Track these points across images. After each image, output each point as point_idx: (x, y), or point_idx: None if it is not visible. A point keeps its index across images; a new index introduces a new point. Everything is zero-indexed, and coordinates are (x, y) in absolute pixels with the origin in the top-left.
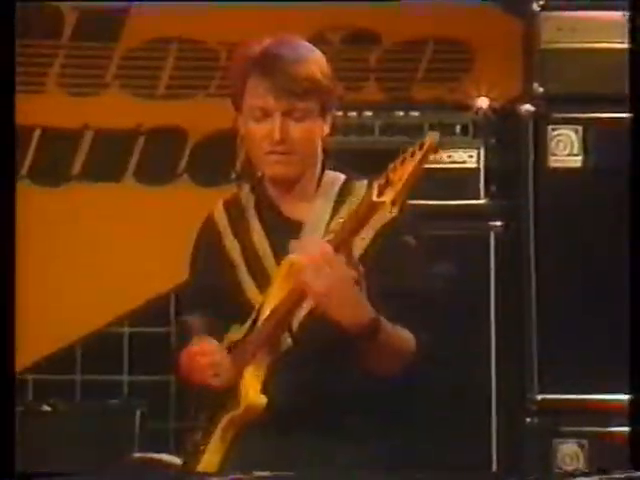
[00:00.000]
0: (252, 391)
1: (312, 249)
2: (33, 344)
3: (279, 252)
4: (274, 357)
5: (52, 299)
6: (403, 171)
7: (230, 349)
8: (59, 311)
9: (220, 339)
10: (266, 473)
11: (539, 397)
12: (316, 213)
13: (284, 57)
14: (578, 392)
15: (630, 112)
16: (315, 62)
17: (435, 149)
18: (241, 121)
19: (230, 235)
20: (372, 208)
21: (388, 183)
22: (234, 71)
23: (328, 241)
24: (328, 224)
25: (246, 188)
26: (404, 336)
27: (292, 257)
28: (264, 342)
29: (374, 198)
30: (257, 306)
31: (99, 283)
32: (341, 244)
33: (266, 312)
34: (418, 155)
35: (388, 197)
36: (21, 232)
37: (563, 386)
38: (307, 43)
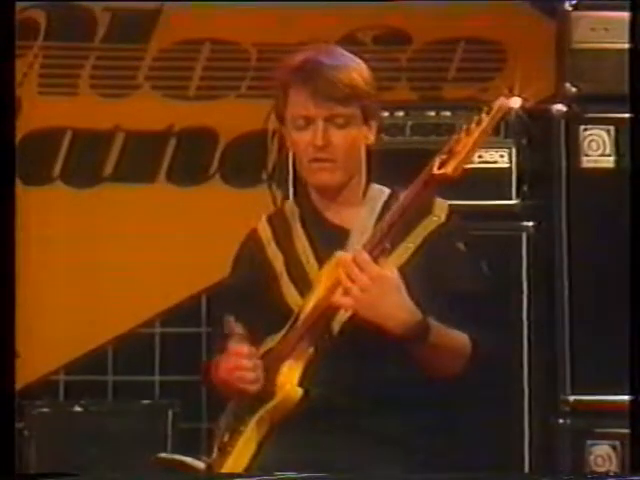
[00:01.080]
0: (289, 383)
1: (345, 258)
2: (64, 345)
3: (323, 259)
4: (313, 352)
5: (84, 299)
6: (468, 140)
7: (267, 352)
8: (90, 311)
9: (258, 346)
10: (292, 474)
11: (572, 398)
12: (361, 221)
13: (324, 64)
14: (611, 393)
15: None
16: (355, 69)
17: (506, 112)
18: (285, 132)
19: (274, 245)
20: (432, 181)
21: (451, 155)
22: (276, 82)
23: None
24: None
25: (290, 201)
26: (459, 338)
27: (337, 254)
28: (304, 336)
29: (435, 170)
30: (297, 310)
31: (131, 283)
32: (392, 225)
33: (306, 311)
34: (485, 120)
35: (450, 168)
36: (54, 233)
37: (596, 387)
38: (347, 52)
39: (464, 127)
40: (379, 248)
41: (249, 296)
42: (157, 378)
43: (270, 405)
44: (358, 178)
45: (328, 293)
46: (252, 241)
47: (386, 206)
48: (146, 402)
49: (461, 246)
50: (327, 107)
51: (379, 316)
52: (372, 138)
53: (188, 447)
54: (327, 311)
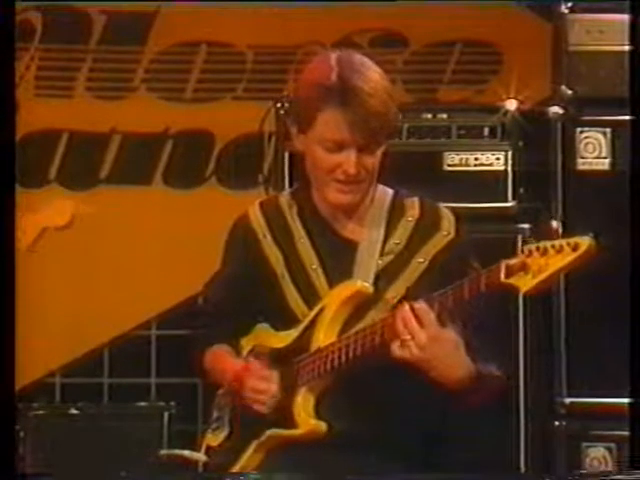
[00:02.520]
0: (311, 417)
1: (405, 314)
2: (60, 347)
3: (330, 270)
4: (330, 382)
5: (80, 302)
6: (546, 262)
7: (277, 362)
8: (87, 314)
9: (249, 339)
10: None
11: (568, 401)
12: (370, 234)
13: (361, 89)
14: (607, 395)
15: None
16: (384, 89)
17: (591, 256)
18: (302, 141)
19: (270, 242)
20: (497, 287)
21: (523, 267)
22: (303, 94)
23: (428, 301)
24: (383, 246)
25: (286, 193)
26: (489, 370)
27: (357, 282)
28: (320, 367)
29: (502, 278)
30: (306, 320)
31: (127, 286)
32: (444, 308)
33: (320, 333)
34: (570, 255)
35: (523, 283)
36: (49, 235)
37: (592, 389)
38: (372, 63)
39: (539, 245)
40: (440, 306)
41: (245, 289)
42: (153, 380)
43: (289, 432)
44: (372, 190)
45: (359, 335)
46: (244, 229)
47: (392, 214)
48: (142, 404)
49: (473, 263)
50: (363, 137)
51: (435, 373)
52: (384, 152)
53: (184, 449)
54: (348, 352)
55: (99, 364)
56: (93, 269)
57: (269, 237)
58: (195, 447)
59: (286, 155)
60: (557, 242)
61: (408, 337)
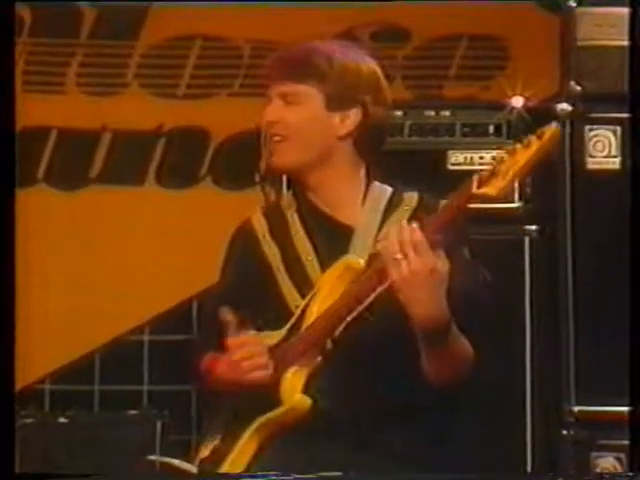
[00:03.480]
0: (296, 392)
1: (402, 234)
2: (49, 353)
3: (325, 256)
4: (319, 359)
5: (69, 306)
6: (514, 161)
7: (269, 351)
8: (76, 318)
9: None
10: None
11: (576, 408)
12: (366, 219)
13: (297, 45)
14: (616, 403)
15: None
16: (324, 53)
17: (556, 141)
18: None
19: (269, 240)
20: (470, 200)
21: (493, 174)
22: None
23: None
24: (379, 231)
25: (288, 194)
26: (466, 344)
27: (348, 257)
28: (312, 344)
29: (474, 190)
30: (298, 310)
31: (118, 289)
32: (431, 236)
33: (312, 315)
34: (535, 145)
35: (493, 188)
36: (38, 237)
37: (601, 397)
38: (344, 43)
39: (508, 147)
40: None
41: (243, 291)
42: (145, 387)
43: (275, 412)
44: (350, 172)
45: (342, 303)
46: (245, 233)
47: (390, 205)
48: (134, 412)
49: (466, 252)
50: (280, 83)
51: (415, 304)
52: (345, 129)
53: (177, 459)
54: (337, 320)
55: (89, 370)
56: (82, 272)
57: (268, 237)
58: (189, 457)
59: None
60: (526, 138)
61: (402, 261)
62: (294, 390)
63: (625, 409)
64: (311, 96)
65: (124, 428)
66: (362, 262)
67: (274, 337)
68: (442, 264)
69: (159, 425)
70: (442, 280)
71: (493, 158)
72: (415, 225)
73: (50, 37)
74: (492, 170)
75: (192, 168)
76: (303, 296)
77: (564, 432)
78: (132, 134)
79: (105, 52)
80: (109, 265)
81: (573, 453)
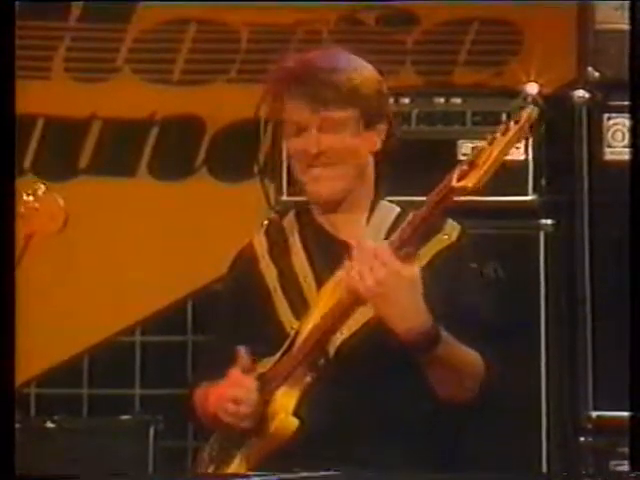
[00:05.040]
0: (283, 413)
1: (364, 247)
2: (35, 354)
3: (322, 276)
4: (308, 379)
5: (56, 305)
6: (491, 150)
7: (260, 377)
8: (64, 318)
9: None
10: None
11: (594, 414)
12: (367, 236)
13: (318, 67)
14: (638, 409)
15: None
16: (355, 70)
17: (532, 124)
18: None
19: (268, 261)
20: (451, 194)
21: (472, 167)
22: (270, 88)
23: (397, 234)
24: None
25: (291, 215)
26: (470, 355)
27: (338, 274)
28: (300, 362)
29: (454, 183)
30: (292, 332)
31: (109, 287)
32: (408, 237)
33: (303, 334)
34: (512, 129)
35: (470, 181)
36: (22, 233)
37: (621, 402)
38: (349, 54)
39: (488, 136)
40: (401, 249)
41: (240, 313)
42: (138, 392)
43: (262, 436)
44: (363, 190)
45: (328, 317)
46: (246, 254)
47: (395, 225)
48: (125, 418)
49: (475, 265)
50: (320, 110)
51: (390, 314)
52: (379, 144)
53: (172, 468)
54: (325, 335)
55: (78, 373)
56: (70, 269)
57: (267, 257)
58: (184, 466)
59: (284, 143)
60: (504, 125)
61: (366, 272)
62: (280, 410)
63: None
64: (353, 119)
65: (115, 434)
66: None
67: (269, 363)
68: (409, 269)
69: (152, 431)
70: (413, 286)
71: (473, 149)
72: (379, 242)
73: (36, 19)
74: (471, 162)
75: (187, 158)
76: (298, 318)
77: (581, 439)
78: (123, 122)
79: (95, 36)
80: (98, 262)
81: (591, 461)
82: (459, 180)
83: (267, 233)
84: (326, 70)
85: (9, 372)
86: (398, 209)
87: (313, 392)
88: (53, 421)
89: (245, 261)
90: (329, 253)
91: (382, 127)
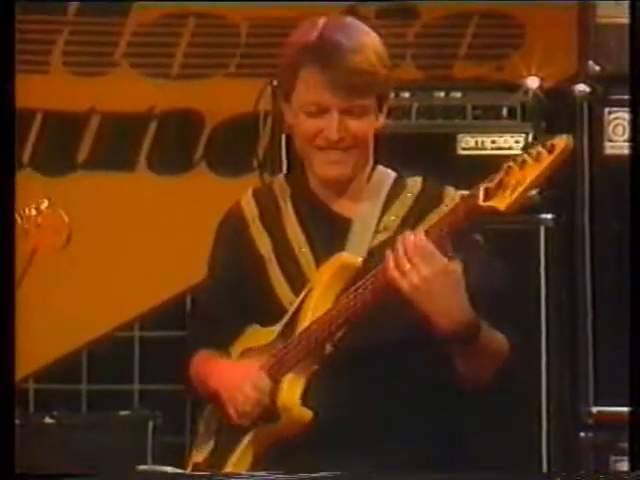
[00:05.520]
0: (295, 404)
1: (407, 243)
2: (34, 349)
3: (320, 250)
4: (317, 366)
5: (55, 300)
6: (524, 175)
7: (270, 368)
8: (63, 313)
9: (240, 341)
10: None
11: (595, 409)
12: (365, 210)
13: (342, 46)
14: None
15: None
16: (373, 49)
17: (568, 154)
18: (289, 111)
19: (259, 226)
20: (476, 212)
21: (500, 186)
22: (285, 58)
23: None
24: (379, 222)
25: (280, 177)
26: (499, 338)
27: (343, 255)
28: (308, 351)
29: (480, 202)
30: (292, 308)
31: (107, 282)
32: (436, 239)
33: (307, 315)
34: (546, 159)
35: (502, 203)
36: (26, 247)
37: (622, 397)
38: (361, 25)
39: (516, 158)
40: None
41: (234, 283)
42: (136, 387)
43: (272, 425)
44: (366, 166)
45: (339, 308)
46: (235, 218)
47: (391, 192)
48: (124, 413)
49: (478, 238)
50: (345, 97)
51: (434, 311)
52: (382, 121)
53: (171, 463)
54: (336, 325)
55: (77, 369)
56: (68, 264)
57: (258, 222)
58: (182, 461)
59: (283, 137)
60: (534, 149)
61: (408, 267)
62: (292, 402)
63: None
64: (372, 105)
65: (114, 430)
66: (359, 260)
67: (268, 335)
68: (453, 264)
69: (151, 427)
70: (458, 281)
71: (500, 169)
72: (416, 232)
73: (34, 13)
74: (499, 181)
75: (186, 153)
76: (296, 292)
77: (582, 434)
78: (122, 117)
79: (93, 29)
80: (96, 256)
81: (592, 457)
82: (486, 199)
83: (255, 195)
84: (350, 50)
85: (9, 369)
86: (394, 174)
87: (321, 382)
88: (52, 417)
89: (234, 225)
90: (325, 225)
91: (387, 104)
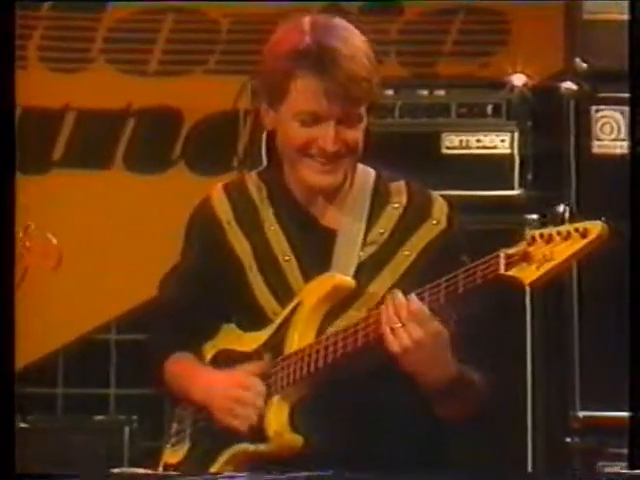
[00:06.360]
0: (285, 430)
1: (399, 303)
2: None
3: (306, 262)
4: (304, 391)
5: (29, 301)
6: (551, 251)
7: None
8: (38, 315)
9: (213, 343)
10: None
11: (581, 414)
12: (350, 220)
13: (338, 52)
14: (625, 409)
15: None
16: (365, 53)
17: (603, 243)
18: (273, 117)
19: (236, 229)
20: (496, 280)
21: (525, 258)
22: (273, 63)
23: (418, 295)
24: (365, 234)
25: (254, 175)
26: (476, 379)
27: (336, 276)
28: (295, 372)
29: (502, 270)
30: (278, 319)
31: (83, 284)
32: (435, 302)
33: (297, 331)
34: (578, 243)
35: (527, 275)
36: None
37: (608, 402)
38: (349, 25)
39: (543, 232)
40: (431, 299)
41: (206, 285)
42: (112, 391)
43: (257, 448)
44: (354, 171)
45: (340, 335)
46: (206, 217)
47: (375, 198)
48: (100, 418)
49: (465, 259)
50: (343, 106)
51: (423, 371)
52: (365, 122)
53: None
54: (330, 352)
55: (52, 372)
56: (43, 264)
57: (234, 224)
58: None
59: (264, 136)
60: (563, 228)
61: (399, 325)
62: (281, 427)
63: (634, 414)
64: (364, 111)
65: (89, 435)
66: (352, 283)
67: (249, 341)
68: (443, 326)
69: (127, 432)
70: (447, 341)
71: (523, 238)
72: (413, 299)
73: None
74: (523, 252)
75: (164, 151)
76: (280, 301)
77: (568, 440)
78: (98, 114)
79: (69, 24)
80: (72, 257)
81: (579, 463)
82: (508, 268)
83: (228, 192)
84: (346, 57)
85: (9, 369)
86: (373, 172)
87: (311, 405)
88: (27, 421)
89: (207, 224)
90: (309, 235)
91: (372, 111)
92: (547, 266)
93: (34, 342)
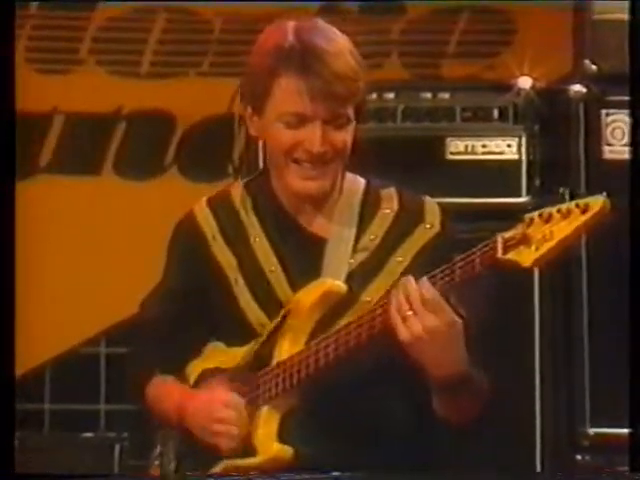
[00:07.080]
0: (274, 441)
1: (411, 290)
2: None
3: (293, 272)
4: (294, 401)
5: (15, 314)
6: (551, 230)
7: (233, 383)
8: (23, 327)
9: (198, 362)
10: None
11: (591, 431)
12: (340, 227)
13: (322, 50)
14: (637, 425)
15: None
16: (350, 52)
17: (605, 216)
18: (257, 123)
19: (221, 243)
20: (494, 265)
21: (523, 240)
22: (255, 65)
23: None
24: (356, 241)
25: (238, 185)
26: (481, 380)
27: (327, 281)
28: (285, 382)
29: (499, 254)
30: (266, 330)
31: (71, 295)
32: (444, 291)
33: (286, 342)
34: (578, 219)
35: (526, 258)
36: None
37: (618, 419)
38: (332, 27)
39: (542, 212)
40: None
41: (191, 302)
42: (102, 407)
43: (246, 462)
44: (343, 177)
45: (329, 338)
46: (190, 231)
47: (365, 205)
48: (89, 435)
49: (483, 286)
50: (328, 106)
51: (434, 363)
52: (354, 125)
53: None
54: (322, 357)
55: (39, 387)
56: (29, 274)
57: (220, 238)
58: None
59: (260, 141)
60: (564, 206)
61: (411, 314)
62: (270, 439)
63: None
64: (352, 112)
65: (78, 452)
66: (345, 288)
67: (235, 357)
68: (456, 316)
69: (117, 449)
70: (460, 333)
71: (521, 220)
72: (424, 282)
73: None
74: (522, 234)
75: (156, 157)
76: (268, 313)
77: (577, 457)
78: (87, 117)
79: (57, 23)
80: (60, 267)
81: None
82: (506, 251)
83: (211, 205)
84: (331, 55)
85: (9, 370)
86: (363, 181)
87: (298, 418)
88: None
89: (191, 239)
90: (297, 244)
91: (362, 115)
92: (546, 246)
93: (19, 355)
